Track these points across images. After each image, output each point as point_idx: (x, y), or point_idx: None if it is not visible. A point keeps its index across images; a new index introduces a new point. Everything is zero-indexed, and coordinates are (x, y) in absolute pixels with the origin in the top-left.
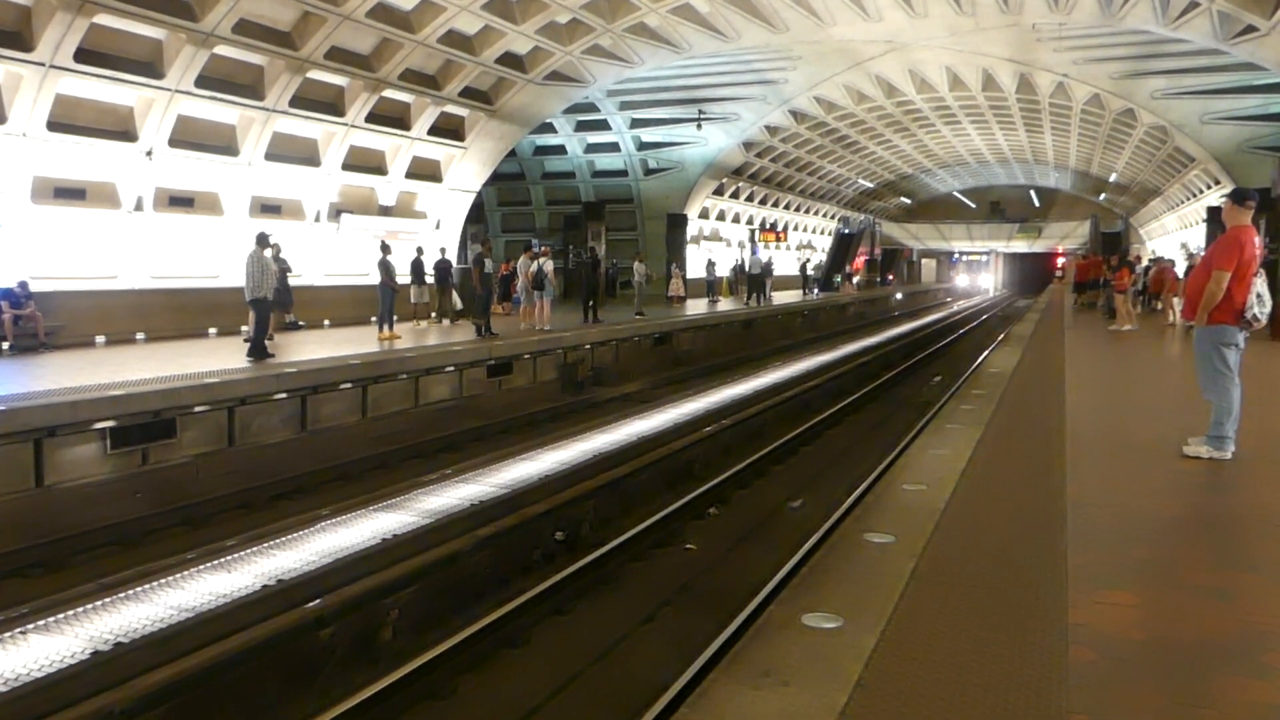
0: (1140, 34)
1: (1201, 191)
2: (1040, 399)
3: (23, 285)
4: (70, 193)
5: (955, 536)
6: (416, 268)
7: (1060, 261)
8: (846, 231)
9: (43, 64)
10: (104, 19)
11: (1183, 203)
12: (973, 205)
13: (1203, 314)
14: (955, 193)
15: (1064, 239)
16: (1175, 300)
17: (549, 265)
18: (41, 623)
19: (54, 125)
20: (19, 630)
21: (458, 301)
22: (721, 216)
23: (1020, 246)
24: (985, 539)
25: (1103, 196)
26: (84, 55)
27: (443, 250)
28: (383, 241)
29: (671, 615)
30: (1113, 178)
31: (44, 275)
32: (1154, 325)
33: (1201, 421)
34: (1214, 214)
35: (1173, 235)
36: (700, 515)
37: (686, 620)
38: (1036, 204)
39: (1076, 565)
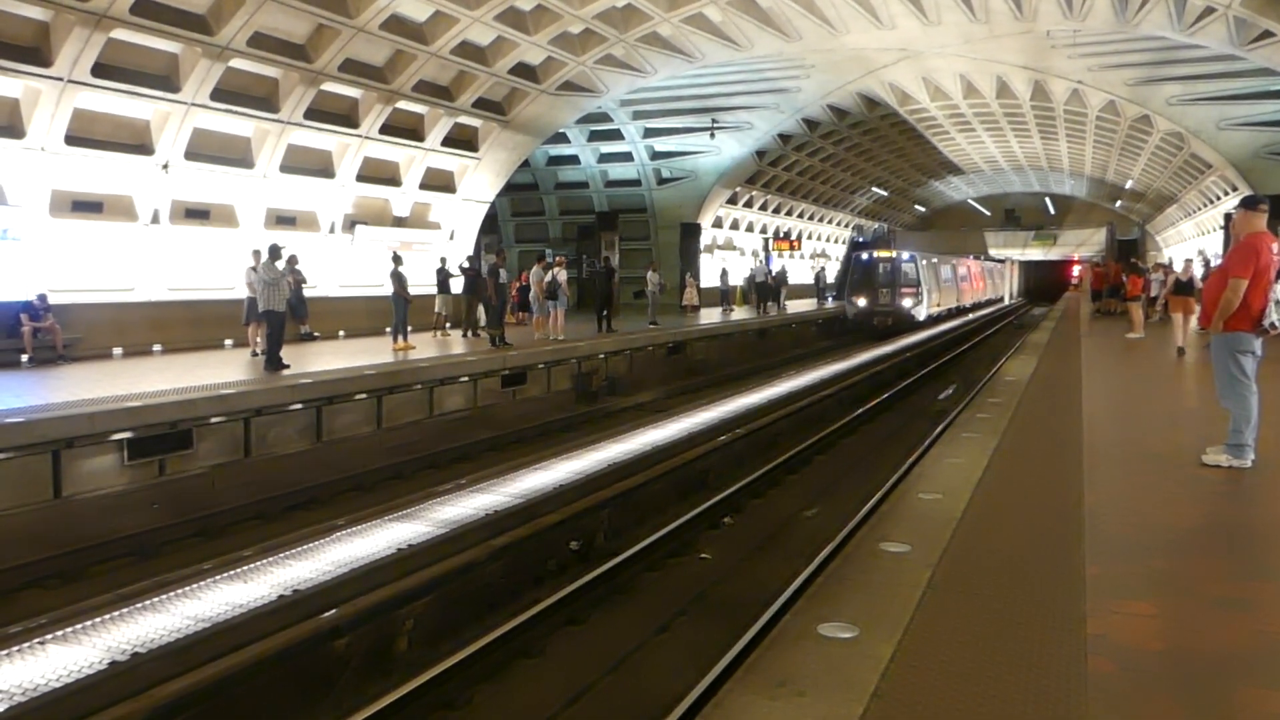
0: (1156, 40)
1: (1218, 198)
2: (1057, 407)
3: (41, 298)
4: (88, 206)
5: (972, 546)
6: (441, 278)
7: (1076, 270)
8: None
9: (61, 79)
10: (121, 34)
11: (1199, 209)
12: (987, 213)
13: (1219, 321)
14: (970, 200)
15: (1079, 246)
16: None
17: (562, 275)
18: (60, 633)
19: (72, 139)
20: (38, 640)
21: (482, 315)
22: (735, 225)
23: (1036, 254)
24: (1002, 548)
25: (1119, 203)
26: (101, 70)
27: (470, 259)
28: (395, 253)
29: (686, 625)
30: (1129, 184)
31: (62, 288)
32: (1167, 334)
33: (1221, 430)
34: (1231, 220)
35: (1190, 242)
36: (715, 525)
37: (701, 630)
38: (1052, 211)
39: (1094, 575)
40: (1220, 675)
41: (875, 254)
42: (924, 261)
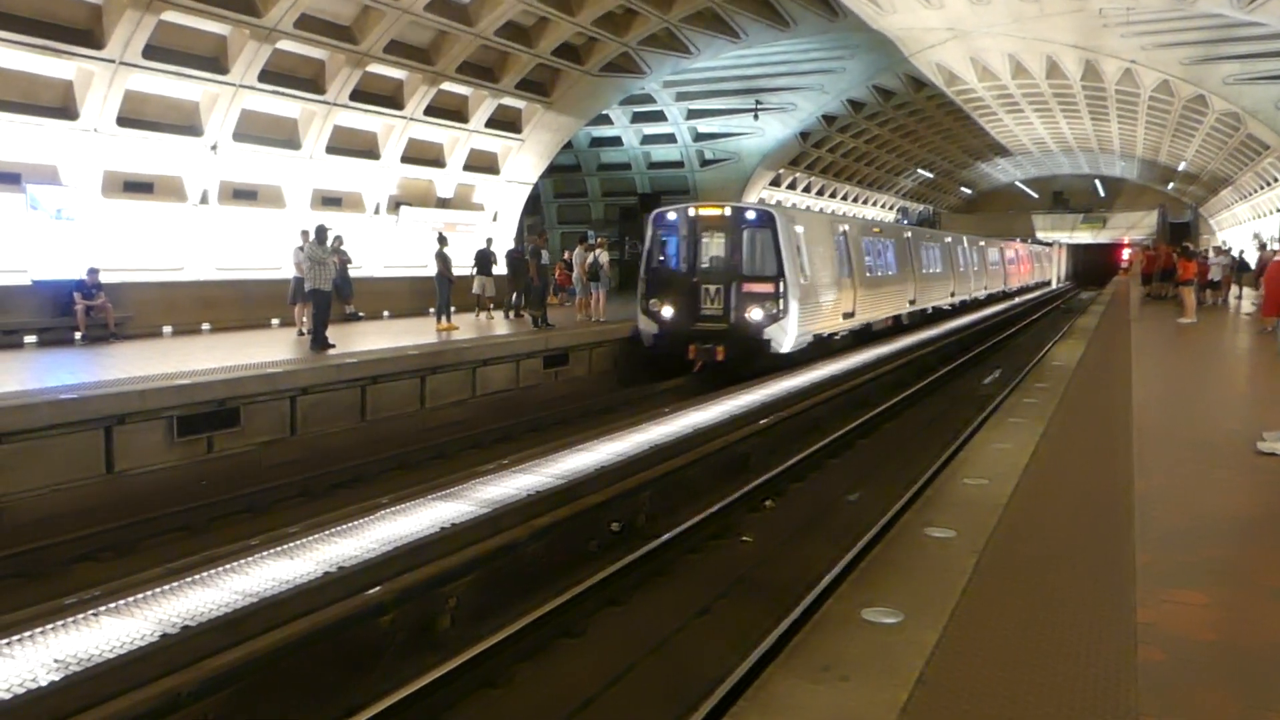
0: (1213, 17)
1: (1276, 180)
2: (1106, 392)
3: (91, 272)
4: (139, 186)
5: (1019, 532)
6: (482, 258)
7: (1126, 253)
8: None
9: (113, 61)
10: (171, 16)
11: (1255, 191)
12: (1035, 195)
13: None
14: (1017, 182)
15: (1130, 230)
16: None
17: (604, 257)
18: (113, 605)
19: (123, 120)
20: (91, 612)
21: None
22: None
23: (1084, 237)
24: (1049, 535)
25: (1171, 186)
26: (152, 52)
27: (516, 242)
28: (440, 233)
29: (728, 607)
30: (1182, 166)
31: (114, 267)
32: (1220, 319)
33: (1277, 417)
34: None
35: (1245, 225)
36: (756, 508)
37: (743, 613)
38: (1101, 194)
39: (1144, 563)
40: (1275, 667)
41: (695, 212)
42: (800, 229)
